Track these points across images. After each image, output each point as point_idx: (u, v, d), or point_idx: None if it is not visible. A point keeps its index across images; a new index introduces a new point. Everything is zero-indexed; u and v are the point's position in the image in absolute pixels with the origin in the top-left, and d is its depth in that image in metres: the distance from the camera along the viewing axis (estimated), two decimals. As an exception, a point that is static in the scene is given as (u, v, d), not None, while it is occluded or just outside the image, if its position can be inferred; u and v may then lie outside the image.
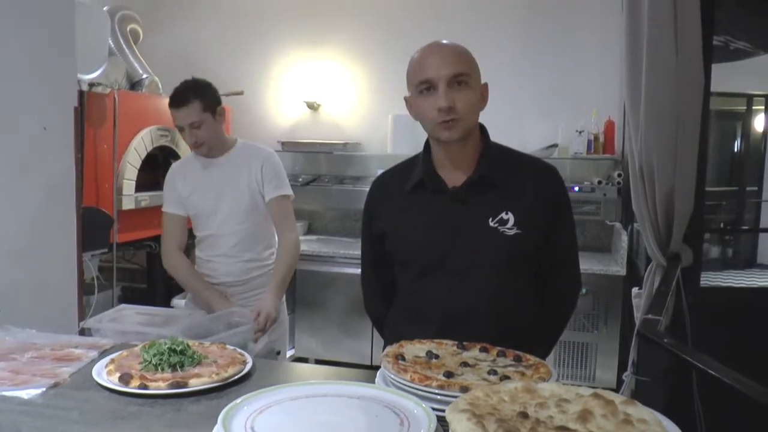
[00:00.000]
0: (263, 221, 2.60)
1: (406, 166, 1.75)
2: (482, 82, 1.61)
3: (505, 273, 1.62)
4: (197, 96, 2.46)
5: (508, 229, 1.58)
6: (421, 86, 1.56)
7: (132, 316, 2.19)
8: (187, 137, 2.53)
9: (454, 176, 1.64)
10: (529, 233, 1.59)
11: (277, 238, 2.65)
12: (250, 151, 2.61)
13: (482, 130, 1.69)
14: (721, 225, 6.88)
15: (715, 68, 2.72)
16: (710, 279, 4.80)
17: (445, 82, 1.52)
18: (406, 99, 1.67)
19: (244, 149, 2.62)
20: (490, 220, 1.59)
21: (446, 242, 1.61)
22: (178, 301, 3.85)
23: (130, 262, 4.67)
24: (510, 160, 1.68)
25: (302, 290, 4.46)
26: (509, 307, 1.63)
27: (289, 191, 2.60)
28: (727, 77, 3.88)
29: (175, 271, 2.62)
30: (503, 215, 1.58)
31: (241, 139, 2.69)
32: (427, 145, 1.70)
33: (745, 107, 6.95)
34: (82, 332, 2.56)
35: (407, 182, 1.68)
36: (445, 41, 1.60)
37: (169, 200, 2.64)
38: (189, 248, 2.72)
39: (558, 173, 1.71)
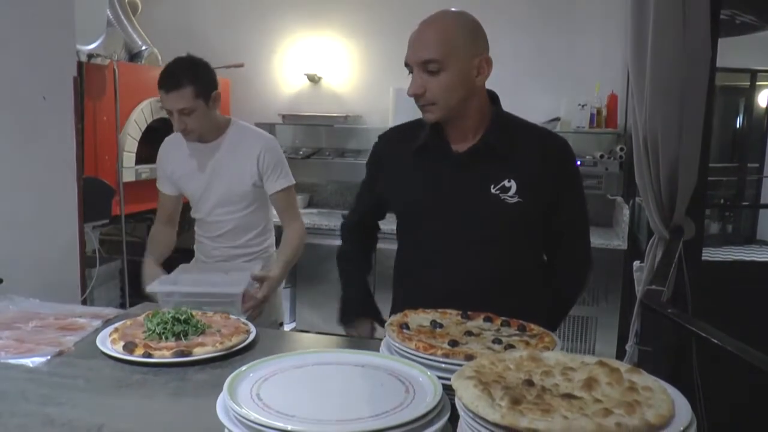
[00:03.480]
0: (256, 210, 2.44)
1: (414, 126, 1.73)
2: (481, 55, 1.56)
3: (505, 241, 1.62)
4: (191, 80, 2.20)
5: (509, 197, 1.57)
6: (406, 67, 1.58)
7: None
8: (175, 123, 2.28)
9: (460, 142, 1.63)
10: (532, 202, 1.58)
11: (271, 225, 2.55)
12: (245, 138, 2.39)
13: (493, 97, 1.67)
14: (722, 201, 6.89)
15: (720, 43, 2.68)
16: (710, 255, 4.81)
17: (417, 68, 1.53)
18: None
19: (238, 134, 2.40)
20: (492, 186, 1.58)
21: (446, 206, 1.62)
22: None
23: (130, 235, 4.66)
24: (518, 130, 1.66)
25: (303, 263, 4.46)
26: (510, 274, 1.63)
27: (291, 180, 2.41)
28: (731, 52, 3.85)
29: (150, 236, 2.53)
30: (505, 183, 1.58)
31: (235, 119, 2.46)
32: None
33: (749, 83, 6.91)
34: (84, 302, 2.58)
35: (414, 142, 1.67)
36: (438, 15, 1.58)
37: (160, 179, 2.50)
38: (191, 223, 2.64)
39: (567, 145, 1.69)
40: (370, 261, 1.94)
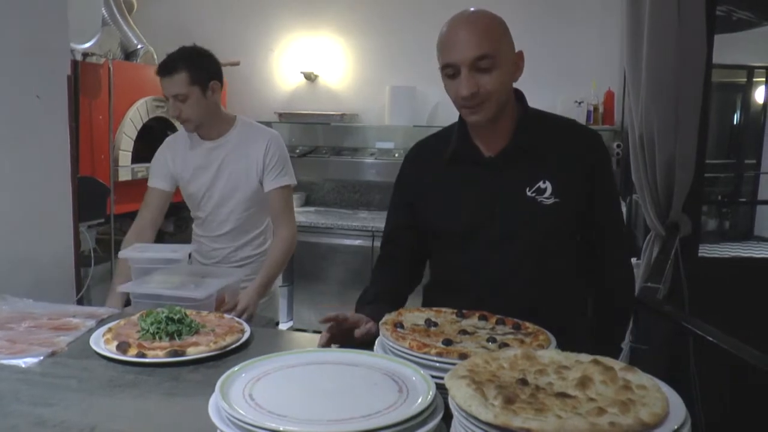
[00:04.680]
0: (256, 212, 2.42)
1: (442, 136, 1.69)
2: (516, 50, 1.54)
3: (543, 243, 1.57)
4: (187, 66, 2.22)
5: (545, 198, 1.53)
6: (445, 69, 1.50)
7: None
8: (170, 109, 2.31)
9: (490, 145, 1.58)
10: (568, 202, 1.54)
11: (270, 230, 2.49)
12: (252, 134, 2.38)
13: (519, 96, 1.63)
14: (719, 197, 6.88)
15: (716, 39, 2.68)
16: (707, 251, 4.81)
17: (467, 67, 1.45)
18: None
19: (245, 131, 2.39)
20: (528, 189, 1.54)
21: (482, 212, 1.57)
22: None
23: (124, 234, 4.65)
24: (548, 127, 1.62)
25: (300, 262, 4.46)
26: (547, 279, 1.57)
27: (291, 180, 2.40)
28: (727, 49, 3.84)
29: (127, 238, 2.42)
30: (540, 184, 1.53)
31: (240, 116, 2.46)
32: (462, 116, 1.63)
33: (746, 79, 6.91)
34: (80, 302, 2.56)
35: (444, 152, 1.63)
36: (472, 13, 1.51)
37: (158, 174, 2.45)
38: (189, 222, 2.60)
39: (600, 139, 1.65)
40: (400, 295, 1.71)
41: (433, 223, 1.65)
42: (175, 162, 2.42)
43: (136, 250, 2.07)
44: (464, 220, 1.59)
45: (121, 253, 2.09)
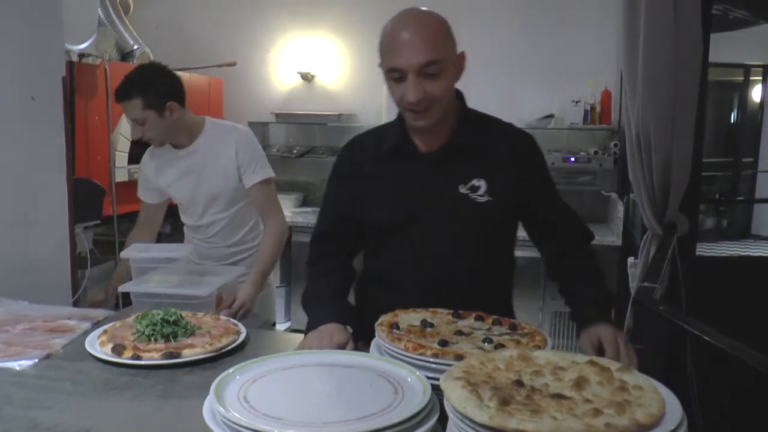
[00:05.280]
0: (245, 206, 2.42)
1: (380, 131, 1.70)
2: (458, 51, 1.53)
3: (474, 241, 1.59)
4: (139, 92, 2.19)
5: (479, 196, 1.55)
6: (392, 73, 1.47)
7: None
8: (131, 131, 2.37)
9: (428, 142, 1.59)
10: (502, 201, 1.56)
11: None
12: (221, 136, 2.36)
13: (458, 95, 1.62)
14: (717, 196, 6.89)
15: (713, 38, 2.68)
16: (705, 250, 4.81)
17: (414, 73, 1.43)
18: (380, 65, 1.56)
19: (213, 133, 2.37)
20: (461, 186, 1.56)
21: (415, 206, 1.58)
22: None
23: (124, 235, 4.63)
24: (486, 127, 1.64)
25: (298, 263, 4.45)
26: (476, 275, 1.60)
27: (269, 173, 2.37)
28: (723, 47, 3.85)
29: (128, 241, 2.48)
30: (474, 182, 1.55)
31: (209, 117, 2.44)
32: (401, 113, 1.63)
33: (743, 78, 6.92)
34: (76, 304, 2.56)
35: (381, 146, 1.63)
36: (419, 14, 1.48)
37: (142, 188, 2.51)
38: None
39: (534, 140, 1.67)
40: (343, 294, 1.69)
41: (368, 216, 1.65)
42: (158, 175, 2.42)
43: (136, 250, 2.10)
44: (396, 213, 1.60)
45: (123, 253, 2.12)
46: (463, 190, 1.56)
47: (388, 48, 1.47)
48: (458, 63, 1.52)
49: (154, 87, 2.22)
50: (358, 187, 1.66)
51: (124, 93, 2.20)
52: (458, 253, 1.59)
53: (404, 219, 1.60)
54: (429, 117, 1.50)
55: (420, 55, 1.42)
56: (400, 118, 1.62)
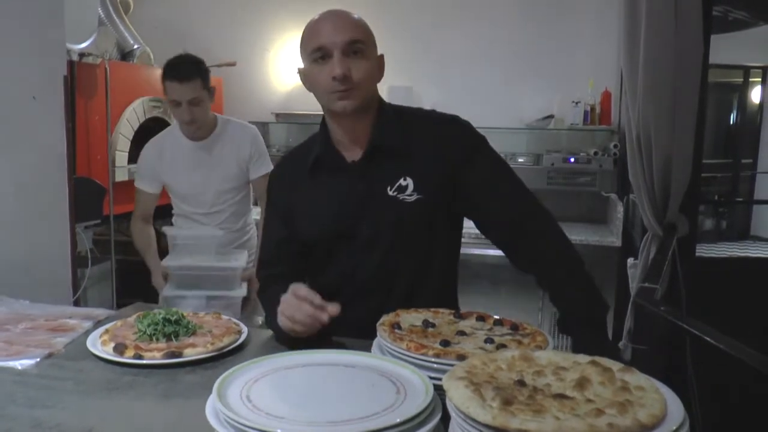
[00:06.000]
0: (245, 196, 2.69)
1: (305, 147, 1.68)
2: (379, 53, 1.54)
3: (409, 244, 1.56)
4: (199, 72, 2.43)
5: (407, 195, 1.52)
6: (315, 54, 1.47)
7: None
8: (182, 113, 2.45)
9: (352, 151, 1.57)
10: (432, 196, 1.52)
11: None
12: (235, 130, 2.60)
13: (379, 98, 1.60)
14: (716, 197, 6.90)
15: (713, 39, 2.69)
16: (704, 251, 4.82)
17: (340, 50, 1.44)
18: (299, 71, 1.58)
19: (228, 128, 2.60)
20: (389, 189, 1.53)
21: (348, 218, 1.56)
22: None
23: (124, 234, 4.64)
24: (406, 122, 1.59)
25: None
26: (418, 276, 1.57)
27: (271, 167, 2.55)
28: (723, 49, 3.85)
29: (136, 237, 2.76)
30: (401, 182, 1.52)
31: (216, 114, 2.66)
32: (323, 123, 1.62)
33: (742, 79, 6.93)
34: (76, 303, 2.56)
35: (307, 162, 1.61)
36: (338, 9, 1.52)
37: (144, 177, 2.68)
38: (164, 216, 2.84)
39: (458, 120, 1.61)
40: None
41: (304, 234, 1.63)
42: (164, 164, 2.59)
43: (176, 229, 2.48)
44: (331, 227, 1.58)
45: (167, 229, 2.47)
46: (391, 192, 1.53)
47: (312, 33, 1.49)
48: (379, 62, 1.54)
49: (207, 71, 2.50)
50: (291, 205, 1.64)
51: (188, 73, 2.41)
52: (396, 258, 1.56)
53: (337, 234, 1.58)
54: (353, 98, 1.47)
55: (346, 32, 1.45)
56: (323, 127, 1.61)
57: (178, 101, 2.42)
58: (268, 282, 1.67)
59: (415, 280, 1.58)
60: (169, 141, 2.60)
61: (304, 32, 1.52)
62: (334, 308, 1.36)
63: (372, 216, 1.55)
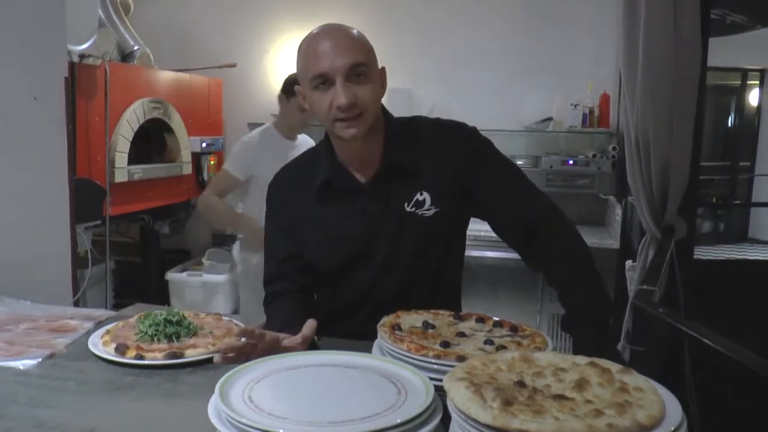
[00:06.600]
0: None
1: (305, 165, 1.63)
2: (380, 66, 1.50)
3: (429, 258, 1.55)
4: None
5: (426, 210, 1.50)
6: (315, 81, 1.41)
7: None
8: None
9: (363, 170, 1.53)
10: (449, 207, 1.51)
11: None
12: (304, 135, 3.16)
13: (384, 112, 1.56)
14: (714, 199, 6.91)
15: (711, 42, 2.70)
16: (702, 253, 4.83)
17: (342, 76, 1.38)
18: (298, 91, 1.53)
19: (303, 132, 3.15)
20: (406, 205, 1.50)
21: (366, 240, 1.53)
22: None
23: (123, 235, 4.65)
24: (414, 135, 1.55)
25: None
26: (436, 286, 1.57)
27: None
28: (722, 52, 3.86)
29: (211, 207, 3.11)
30: (418, 197, 1.50)
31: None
32: (327, 140, 1.57)
33: (740, 82, 6.95)
34: (76, 303, 2.56)
35: (313, 181, 1.55)
36: (337, 25, 1.47)
37: (240, 163, 3.05)
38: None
39: (464, 126, 1.58)
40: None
41: (319, 261, 1.59)
42: (261, 158, 2.95)
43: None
44: (349, 251, 1.55)
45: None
46: (408, 208, 1.51)
47: (311, 57, 1.42)
48: (382, 77, 1.49)
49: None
50: (294, 223, 1.59)
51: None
52: (416, 272, 1.55)
53: (352, 259, 1.55)
54: (360, 125, 1.43)
55: (347, 57, 1.39)
56: (327, 147, 1.56)
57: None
58: (273, 299, 1.63)
59: (433, 288, 1.58)
60: (271, 137, 3.04)
61: (301, 51, 1.46)
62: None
63: (390, 234, 1.52)
